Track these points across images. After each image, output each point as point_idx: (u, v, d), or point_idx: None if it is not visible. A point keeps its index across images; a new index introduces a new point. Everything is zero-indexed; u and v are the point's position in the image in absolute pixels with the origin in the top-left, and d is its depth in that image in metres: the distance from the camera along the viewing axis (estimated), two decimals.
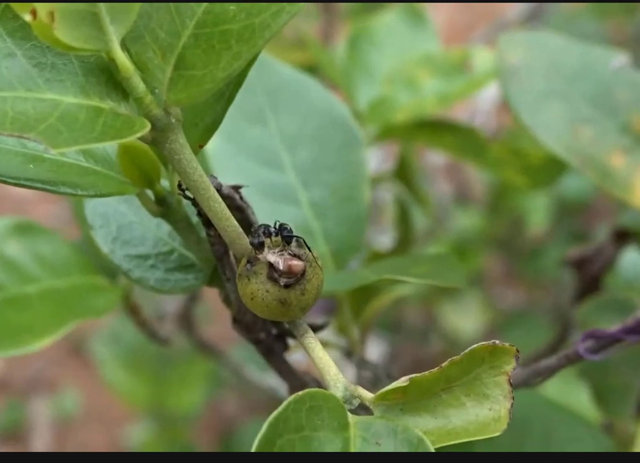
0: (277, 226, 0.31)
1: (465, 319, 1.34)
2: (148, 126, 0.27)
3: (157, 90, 0.28)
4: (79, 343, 1.66)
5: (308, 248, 0.31)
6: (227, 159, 0.47)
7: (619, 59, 0.54)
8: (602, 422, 0.52)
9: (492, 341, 0.29)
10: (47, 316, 0.46)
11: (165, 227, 0.36)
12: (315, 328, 0.35)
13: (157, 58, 0.28)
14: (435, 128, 0.66)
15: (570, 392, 0.88)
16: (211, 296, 0.43)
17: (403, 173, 0.71)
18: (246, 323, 0.36)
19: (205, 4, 0.27)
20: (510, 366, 0.29)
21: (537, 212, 1.35)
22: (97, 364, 1.25)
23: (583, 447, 0.46)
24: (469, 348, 0.30)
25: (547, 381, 0.43)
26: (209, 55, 0.27)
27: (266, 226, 0.31)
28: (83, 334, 1.56)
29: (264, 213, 0.36)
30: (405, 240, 0.67)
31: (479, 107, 1.38)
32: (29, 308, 0.47)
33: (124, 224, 0.36)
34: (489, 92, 1.25)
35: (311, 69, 0.75)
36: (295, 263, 0.30)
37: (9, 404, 1.69)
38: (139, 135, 0.27)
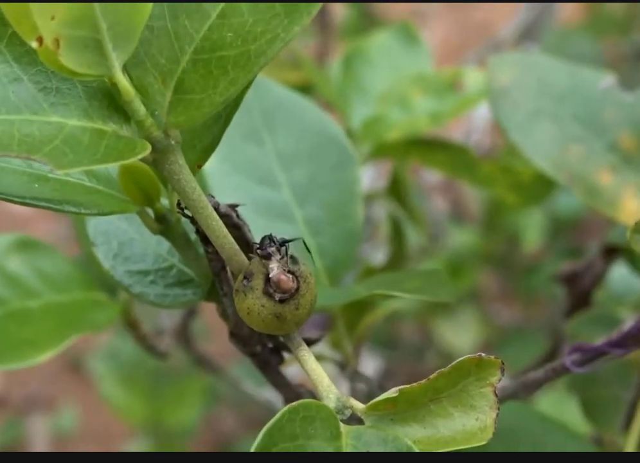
0: (276, 240, 0.32)
1: (461, 335, 1.35)
2: (149, 148, 0.28)
3: (157, 114, 0.30)
4: (77, 360, 1.66)
5: (303, 264, 0.32)
6: (224, 177, 0.48)
7: (607, 80, 0.56)
8: (592, 434, 0.53)
9: (478, 353, 0.31)
10: (49, 330, 0.47)
11: (164, 244, 0.37)
12: (310, 342, 0.36)
13: (158, 83, 0.29)
14: (427, 146, 0.67)
15: (565, 405, 0.89)
16: (209, 312, 0.44)
17: (396, 190, 0.72)
18: (243, 336, 0.37)
19: (204, 31, 0.29)
20: (495, 378, 0.30)
21: (532, 229, 1.36)
22: (95, 381, 1.25)
23: None
24: (456, 361, 0.31)
25: (543, 395, 0.44)
26: (207, 80, 0.29)
27: (270, 236, 0.32)
28: (81, 351, 1.57)
29: (260, 231, 0.37)
30: (398, 255, 0.68)
31: (475, 124, 1.39)
32: (31, 323, 0.48)
33: (125, 241, 0.37)
34: (485, 110, 1.26)
35: (306, 88, 0.76)
36: (284, 279, 0.31)
37: (7, 421, 1.69)
38: (140, 156, 0.28)
